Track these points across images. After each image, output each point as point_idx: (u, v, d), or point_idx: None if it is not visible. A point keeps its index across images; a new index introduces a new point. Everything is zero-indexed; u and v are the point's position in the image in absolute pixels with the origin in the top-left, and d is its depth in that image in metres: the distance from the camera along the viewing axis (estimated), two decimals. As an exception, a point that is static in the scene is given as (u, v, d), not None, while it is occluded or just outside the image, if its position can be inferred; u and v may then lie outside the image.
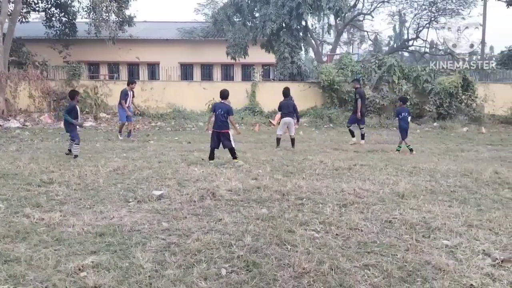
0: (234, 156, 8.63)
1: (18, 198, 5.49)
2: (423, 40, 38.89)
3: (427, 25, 36.56)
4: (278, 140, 11.15)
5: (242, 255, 3.70)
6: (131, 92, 12.82)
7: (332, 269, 3.43)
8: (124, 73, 28.36)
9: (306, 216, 4.90)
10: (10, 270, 3.31)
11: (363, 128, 12.53)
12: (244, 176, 7.16)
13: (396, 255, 3.81)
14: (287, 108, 10.99)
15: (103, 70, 28.45)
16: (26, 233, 4.17)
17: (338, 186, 6.42)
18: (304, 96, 20.19)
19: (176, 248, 3.87)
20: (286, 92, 11.05)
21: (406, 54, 45.58)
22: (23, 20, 23.65)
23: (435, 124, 18.56)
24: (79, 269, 3.34)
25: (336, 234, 4.33)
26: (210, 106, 20.55)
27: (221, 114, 8.60)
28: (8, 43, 19.15)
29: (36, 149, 10.37)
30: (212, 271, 3.40)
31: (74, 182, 6.49)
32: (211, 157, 8.77)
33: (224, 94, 8.82)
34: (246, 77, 27.59)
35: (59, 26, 24.44)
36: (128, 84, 12.99)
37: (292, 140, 11.12)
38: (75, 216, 4.76)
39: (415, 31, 37.50)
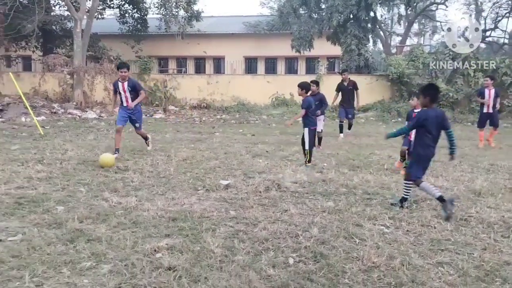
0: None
1: (97, 183, 5.88)
2: (502, 30, 36.14)
3: (507, 15, 33.92)
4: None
5: (309, 246, 3.71)
6: (123, 83, 8.11)
7: (403, 265, 3.34)
8: (191, 67, 29.24)
9: (375, 211, 4.79)
10: (92, 248, 3.56)
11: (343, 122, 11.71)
12: (309, 169, 7.14)
13: (473, 254, 3.62)
14: None
15: (172, 65, 29.48)
16: (106, 215, 4.46)
17: (408, 182, 6.19)
18: (371, 89, 19.65)
19: (244, 236, 3.96)
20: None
21: (482, 45, 42.64)
22: (99, 16, 25.08)
23: (515, 119, 17.29)
24: (155, 250, 3.53)
25: (407, 230, 4.20)
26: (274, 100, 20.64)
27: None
28: (86, 38, 20.43)
29: (111, 138, 11.00)
30: (280, 259, 3.44)
31: (147, 170, 6.83)
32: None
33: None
34: (310, 70, 27.33)
35: (132, 22, 25.67)
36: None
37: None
38: (149, 201, 5.01)
39: (493, 21, 34.95)
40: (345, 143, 10.62)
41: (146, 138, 8.99)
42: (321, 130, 9.68)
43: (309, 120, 7.45)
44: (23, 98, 12.52)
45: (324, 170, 7.05)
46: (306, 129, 7.44)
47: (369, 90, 19.20)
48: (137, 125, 8.52)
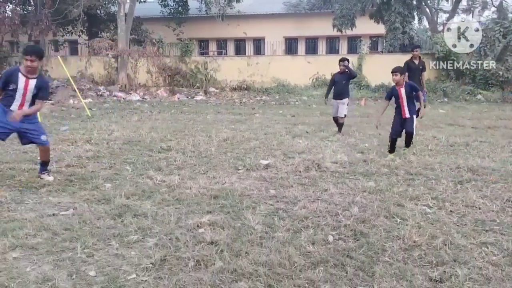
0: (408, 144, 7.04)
1: (142, 162, 6.10)
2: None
3: None
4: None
5: (349, 224, 3.71)
6: (27, 79, 4.80)
7: (446, 244, 3.29)
8: (231, 48, 29.28)
9: (417, 191, 4.71)
10: (139, 223, 3.74)
11: None
12: (350, 150, 7.08)
13: (520, 235, 3.51)
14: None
15: (212, 46, 29.62)
16: (151, 192, 4.65)
17: (453, 163, 6.03)
18: (415, 69, 18.97)
19: (284, 214, 4.02)
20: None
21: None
22: (142, 0, 25.48)
23: None
24: (197, 226, 3.66)
25: (450, 211, 4.11)
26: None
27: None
28: (129, 22, 20.85)
29: (155, 120, 11.31)
30: (320, 236, 3.47)
31: (189, 150, 7.00)
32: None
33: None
34: (352, 50, 26.70)
35: (173, 5, 25.89)
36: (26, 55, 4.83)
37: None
38: (192, 179, 5.16)
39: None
40: (388, 123, 10.34)
41: (46, 163, 5.26)
42: (344, 115, 9.02)
43: (414, 106, 6.95)
44: (71, 81, 13.03)
45: (365, 151, 6.96)
46: (414, 116, 6.91)
47: (413, 69, 18.55)
48: (42, 138, 5.07)
